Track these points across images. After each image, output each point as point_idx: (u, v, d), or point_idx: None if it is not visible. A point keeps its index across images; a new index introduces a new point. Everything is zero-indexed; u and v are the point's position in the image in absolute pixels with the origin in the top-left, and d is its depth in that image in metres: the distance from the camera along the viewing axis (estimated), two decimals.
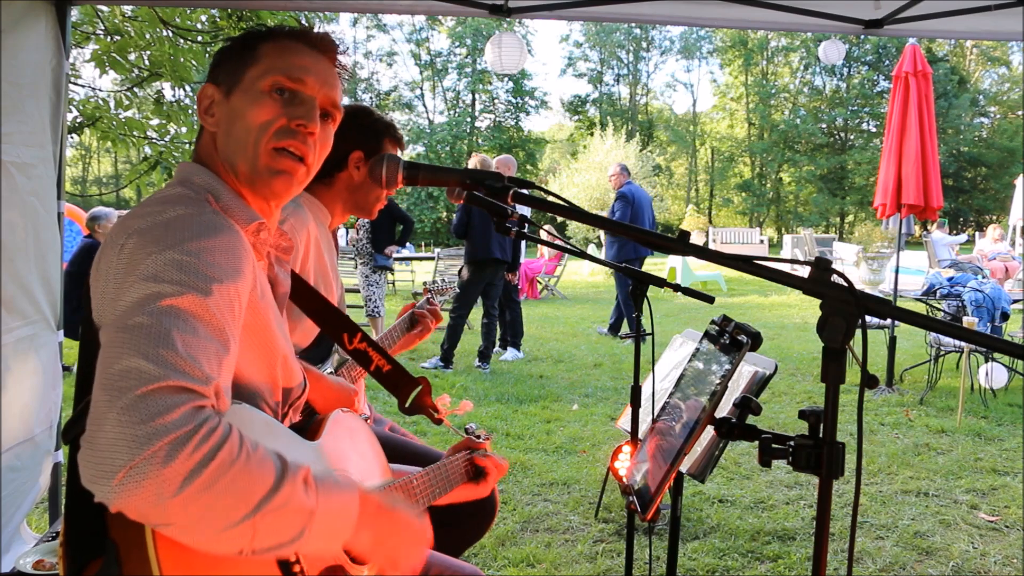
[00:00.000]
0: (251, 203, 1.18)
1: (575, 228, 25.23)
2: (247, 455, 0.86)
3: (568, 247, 1.75)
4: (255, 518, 0.85)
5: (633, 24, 36.87)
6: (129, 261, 0.95)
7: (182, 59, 3.85)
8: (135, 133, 4.12)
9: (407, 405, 1.70)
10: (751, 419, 1.25)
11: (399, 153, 2.00)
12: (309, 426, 1.24)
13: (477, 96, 41.76)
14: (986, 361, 5.73)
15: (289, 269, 1.32)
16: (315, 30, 1.24)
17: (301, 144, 1.16)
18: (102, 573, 0.96)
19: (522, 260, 8.59)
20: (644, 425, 1.86)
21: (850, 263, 13.63)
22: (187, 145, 4.43)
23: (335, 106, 1.22)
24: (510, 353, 7.39)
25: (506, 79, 39.18)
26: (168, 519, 0.82)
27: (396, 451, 2.05)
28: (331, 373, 2.04)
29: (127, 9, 3.84)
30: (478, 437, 1.70)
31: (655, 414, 1.66)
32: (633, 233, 1.23)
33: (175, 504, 0.80)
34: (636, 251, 8.25)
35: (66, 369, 3.24)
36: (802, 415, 1.09)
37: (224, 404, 0.95)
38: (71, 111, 4.00)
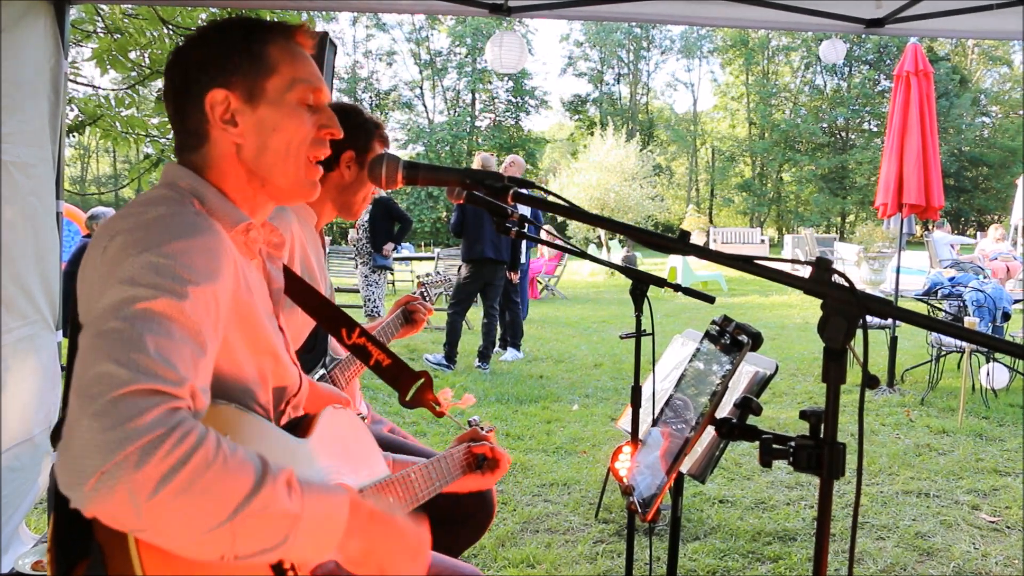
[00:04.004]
0: (241, 204, 1.18)
1: (575, 228, 25.25)
2: (224, 458, 0.85)
3: (568, 247, 1.74)
4: (233, 522, 0.84)
5: (633, 23, 36.90)
6: (110, 263, 0.96)
7: None
8: (136, 131, 4.11)
9: (408, 399, 1.69)
10: (752, 419, 1.24)
11: (385, 151, 2.00)
12: (300, 424, 1.23)
13: (477, 95, 41.76)
14: (987, 361, 5.72)
15: (281, 265, 1.32)
16: (303, 26, 1.23)
17: (327, 151, 1.23)
18: (88, 575, 0.95)
19: (523, 260, 8.57)
20: (644, 425, 1.86)
21: (851, 263, 13.62)
22: None
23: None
24: (510, 353, 7.39)
25: (506, 78, 39.19)
26: (142, 524, 0.81)
27: (394, 450, 2.04)
28: (321, 376, 2.04)
29: (127, 7, 3.83)
30: (482, 428, 1.69)
31: (655, 415, 1.66)
32: (635, 234, 1.23)
33: (148, 509, 0.79)
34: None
35: (65, 369, 3.24)
36: (803, 415, 1.09)
37: (201, 404, 0.94)
38: (72, 110, 4.00)
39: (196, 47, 1.17)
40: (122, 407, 0.82)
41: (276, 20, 1.22)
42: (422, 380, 1.70)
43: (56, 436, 0.95)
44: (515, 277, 7.30)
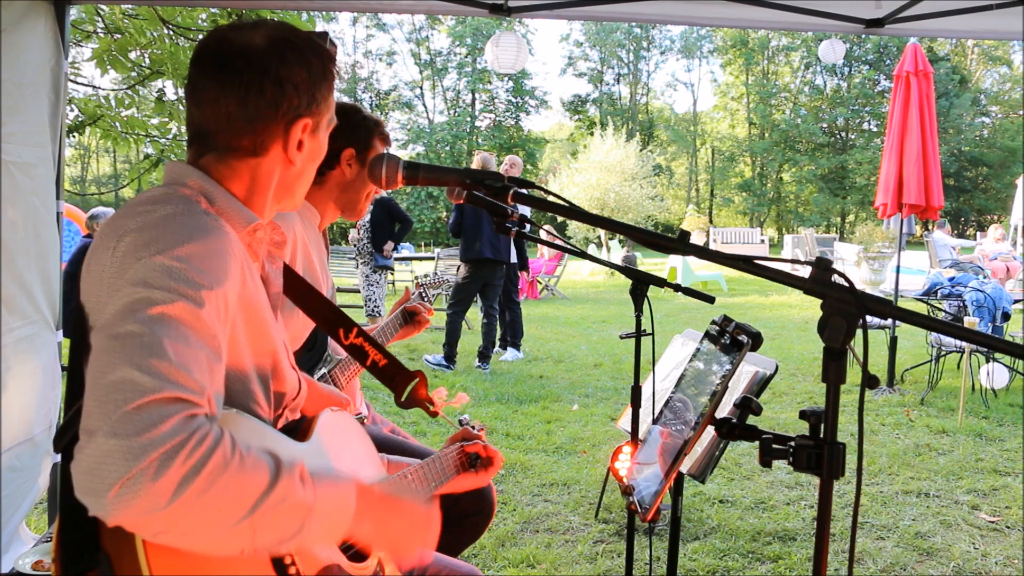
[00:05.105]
0: (251, 205, 1.17)
1: (575, 228, 25.25)
2: (240, 457, 0.86)
3: (568, 247, 1.75)
4: (253, 517, 0.85)
5: (633, 23, 36.90)
6: (120, 264, 0.96)
7: (183, 57, 3.85)
8: (136, 131, 4.11)
9: (403, 399, 1.70)
10: (752, 419, 1.24)
11: (387, 150, 2.00)
12: (299, 427, 1.24)
13: (477, 96, 41.76)
14: (987, 361, 5.72)
15: (281, 265, 1.32)
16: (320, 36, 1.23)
17: None
18: None
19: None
20: (644, 425, 1.86)
21: (851, 263, 13.63)
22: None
23: None
24: (510, 353, 7.39)
25: (506, 78, 39.19)
26: (164, 528, 0.82)
27: (393, 450, 2.04)
28: (322, 375, 2.04)
29: (127, 7, 3.83)
30: (473, 427, 1.70)
31: (655, 414, 1.66)
32: (635, 234, 1.23)
33: (170, 513, 0.81)
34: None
35: (65, 369, 3.24)
36: (803, 415, 1.09)
37: (215, 412, 0.94)
38: (72, 110, 4.00)
39: (295, 64, 1.12)
40: (144, 415, 0.83)
41: (284, 20, 1.22)
42: (417, 380, 1.71)
43: (60, 439, 0.94)
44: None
